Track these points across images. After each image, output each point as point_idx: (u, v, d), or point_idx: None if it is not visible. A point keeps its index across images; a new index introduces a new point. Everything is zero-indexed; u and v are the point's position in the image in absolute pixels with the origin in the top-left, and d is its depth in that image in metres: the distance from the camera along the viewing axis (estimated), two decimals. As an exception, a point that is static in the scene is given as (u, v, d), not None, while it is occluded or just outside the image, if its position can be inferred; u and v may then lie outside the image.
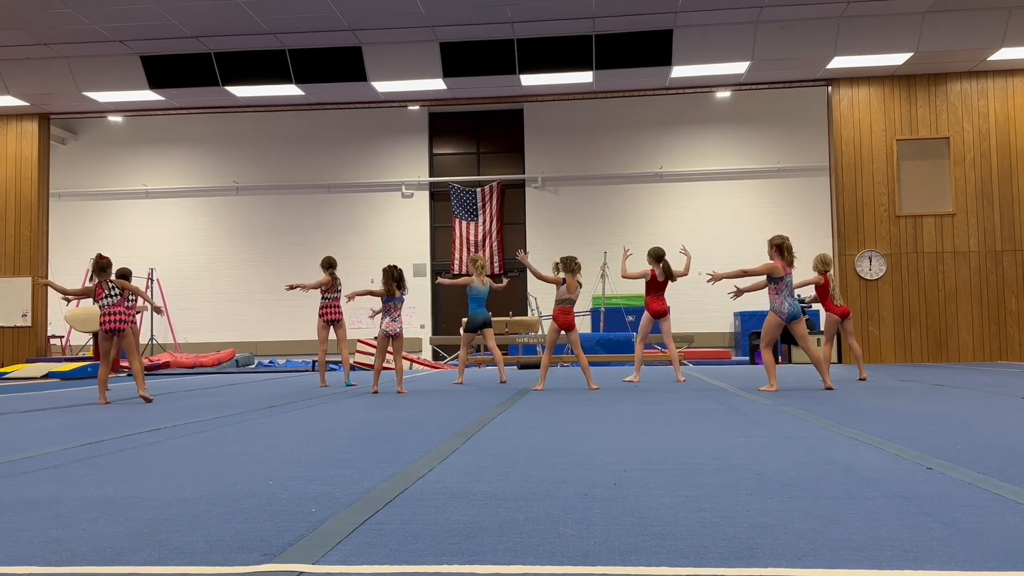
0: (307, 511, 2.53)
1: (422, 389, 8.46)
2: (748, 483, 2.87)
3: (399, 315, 7.84)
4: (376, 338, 8.31)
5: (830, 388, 7.25)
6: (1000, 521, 2.28)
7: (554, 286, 7.99)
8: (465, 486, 2.90)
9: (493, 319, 14.50)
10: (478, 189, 19.75)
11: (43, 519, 2.49)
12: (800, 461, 3.34)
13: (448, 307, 19.35)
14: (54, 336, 16.28)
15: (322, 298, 9.20)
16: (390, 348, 7.89)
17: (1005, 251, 12.94)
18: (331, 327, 9.15)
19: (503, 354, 15.73)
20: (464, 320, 9.50)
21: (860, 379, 8.56)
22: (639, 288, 18.59)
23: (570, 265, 7.95)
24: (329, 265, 9.35)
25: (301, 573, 1.88)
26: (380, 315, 7.88)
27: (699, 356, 15.82)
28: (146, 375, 9.61)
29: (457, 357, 16.66)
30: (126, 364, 14.06)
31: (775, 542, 2.08)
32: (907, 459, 3.33)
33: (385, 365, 14.29)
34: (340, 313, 9.19)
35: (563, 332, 7.98)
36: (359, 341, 15.48)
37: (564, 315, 7.90)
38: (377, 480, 3.03)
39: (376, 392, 7.81)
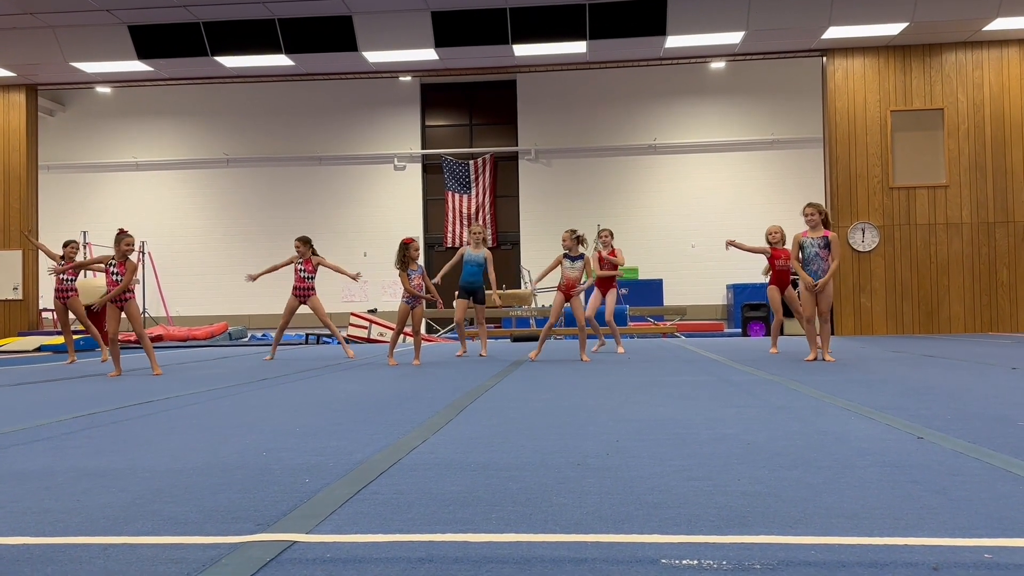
0: (301, 481, 2.53)
1: (410, 362, 8.45)
2: (740, 453, 2.88)
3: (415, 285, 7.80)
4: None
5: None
6: (990, 489, 2.30)
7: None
8: (459, 457, 2.91)
9: (485, 291, 14.36)
10: (471, 161, 19.65)
11: (36, 490, 2.49)
12: (791, 431, 3.36)
13: (442, 280, 19.30)
14: (46, 309, 16.22)
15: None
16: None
17: (997, 223, 12.97)
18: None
19: (496, 326, 15.79)
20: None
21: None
22: (632, 261, 18.65)
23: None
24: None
25: (295, 543, 1.88)
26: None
27: (692, 328, 15.87)
28: (138, 348, 9.62)
29: (451, 330, 16.68)
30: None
31: (766, 510, 2.09)
32: (898, 429, 3.35)
33: (377, 338, 14.33)
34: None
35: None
36: (352, 314, 15.49)
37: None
38: (371, 451, 3.04)
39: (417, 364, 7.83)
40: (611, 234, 9.27)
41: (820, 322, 7.38)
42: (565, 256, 7.89)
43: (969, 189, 12.99)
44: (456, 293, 9.15)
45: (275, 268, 9.42)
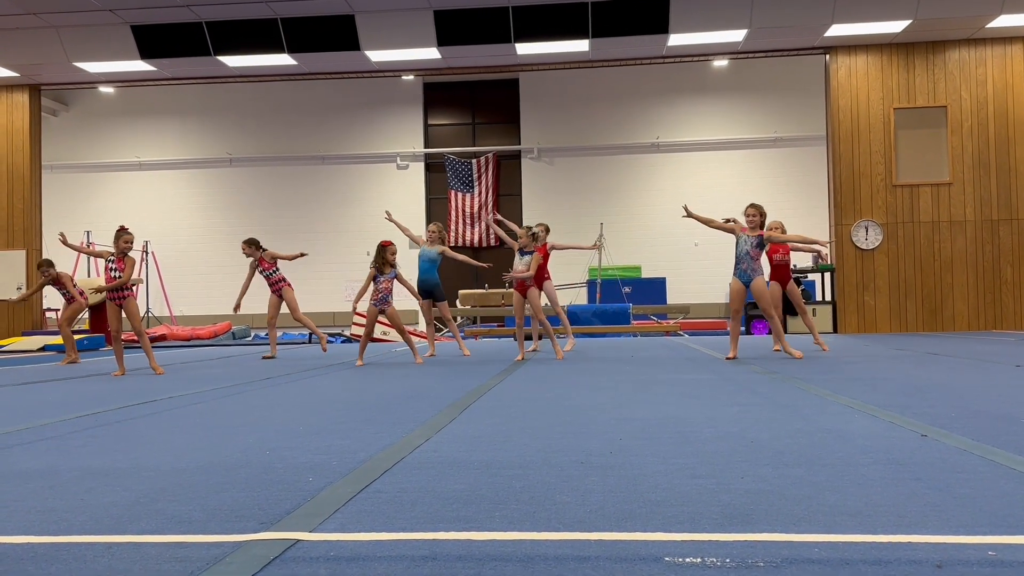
0: (304, 480, 2.54)
1: (413, 362, 8.46)
2: (743, 451, 2.88)
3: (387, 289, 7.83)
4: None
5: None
6: (993, 487, 2.29)
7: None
8: (462, 455, 2.91)
9: (489, 290, 14.41)
10: (473, 160, 19.65)
11: (39, 489, 2.50)
12: (794, 429, 3.35)
13: (443, 279, 19.32)
14: (49, 309, 16.25)
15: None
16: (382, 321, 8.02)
17: (1001, 220, 12.94)
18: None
19: (499, 324, 15.78)
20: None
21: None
22: (636, 259, 18.66)
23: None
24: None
25: (298, 541, 1.88)
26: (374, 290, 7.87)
27: (695, 327, 15.86)
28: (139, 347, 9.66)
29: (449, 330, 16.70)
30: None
31: (770, 508, 2.09)
32: (901, 427, 3.35)
33: (380, 337, 14.34)
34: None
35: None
36: (355, 313, 15.50)
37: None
38: (374, 450, 3.04)
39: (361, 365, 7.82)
40: (546, 229, 9.19)
41: (768, 319, 7.52)
42: (519, 251, 7.97)
43: (973, 186, 12.96)
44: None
45: (246, 286, 9.45)
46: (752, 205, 7.33)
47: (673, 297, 17.68)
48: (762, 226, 7.31)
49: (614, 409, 4.14)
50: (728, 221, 7.56)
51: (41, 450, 3.23)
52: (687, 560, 1.70)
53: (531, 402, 4.54)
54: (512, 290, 8.30)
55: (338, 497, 2.29)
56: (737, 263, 7.28)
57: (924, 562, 1.67)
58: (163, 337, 14.74)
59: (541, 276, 8.97)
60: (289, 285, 9.37)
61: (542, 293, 8.97)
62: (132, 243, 7.14)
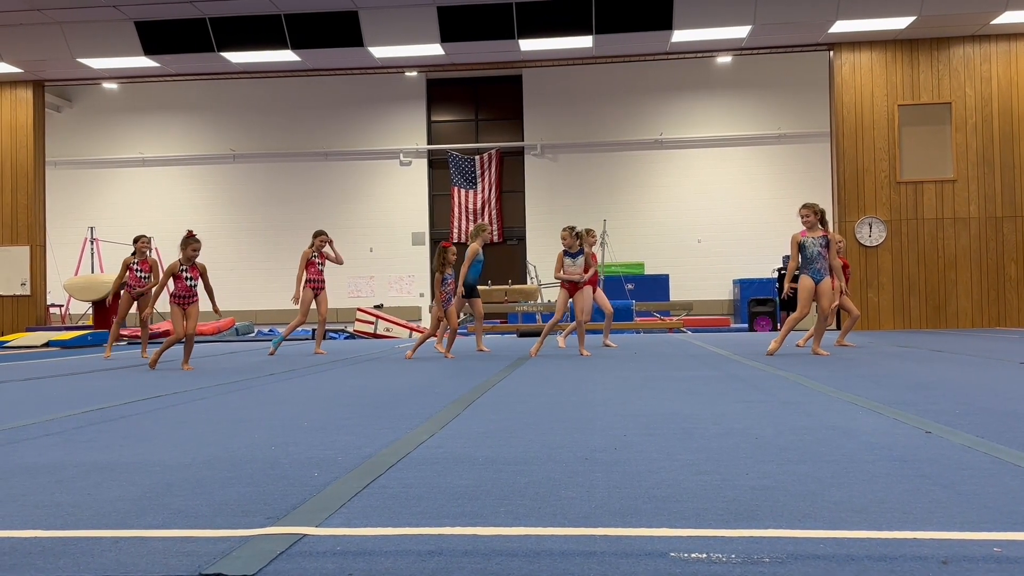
0: (310, 475, 2.54)
1: (421, 356, 8.47)
2: (747, 447, 2.88)
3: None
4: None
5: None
6: (998, 483, 2.29)
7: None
8: (467, 451, 2.91)
9: (492, 287, 14.48)
10: (476, 157, 19.65)
11: (46, 484, 2.50)
12: (799, 425, 3.36)
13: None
14: (53, 305, 16.29)
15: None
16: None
17: (1005, 217, 12.91)
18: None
19: (503, 321, 15.78)
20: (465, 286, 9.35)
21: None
22: (639, 256, 18.65)
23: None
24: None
25: (305, 536, 1.89)
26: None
27: (698, 324, 15.85)
28: (149, 343, 9.68)
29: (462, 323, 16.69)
30: (127, 333, 14.08)
31: (775, 504, 2.09)
32: (906, 423, 3.35)
33: (383, 334, 14.34)
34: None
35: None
36: (358, 310, 15.52)
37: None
38: (379, 445, 3.05)
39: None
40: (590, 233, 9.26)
41: (820, 318, 7.45)
42: (565, 254, 7.94)
43: (977, 183, 12.93)
44: (463, 292, 9.22)
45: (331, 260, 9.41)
46: (805, 205, 7.26)
47: (676, 294, 17.67)
48: (823, 223, 7.25)
49: (618, 405, 4.14)
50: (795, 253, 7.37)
51: (47, 445, 3.24)
52: (692, 556, 1.70)
53: (535, 398, 4.54)
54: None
55: (344, 492, 2.30)
56: (811, 262, 7.18)
57: (930, 558, 1.67)
58: (167, 333, 14.76)
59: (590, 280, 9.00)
60: None
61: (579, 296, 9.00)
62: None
